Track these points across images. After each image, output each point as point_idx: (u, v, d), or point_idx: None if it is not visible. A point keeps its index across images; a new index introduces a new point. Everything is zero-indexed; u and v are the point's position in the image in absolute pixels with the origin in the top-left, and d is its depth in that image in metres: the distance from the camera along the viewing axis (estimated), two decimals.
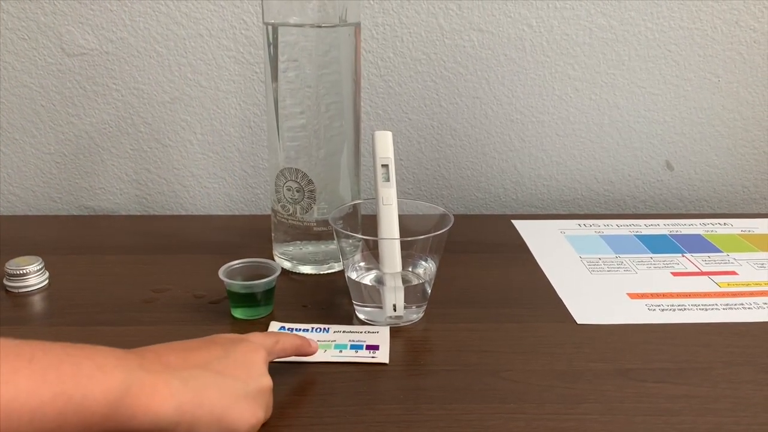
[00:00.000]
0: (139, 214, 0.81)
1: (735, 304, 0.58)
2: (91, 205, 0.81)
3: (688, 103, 0.80)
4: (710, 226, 0.76)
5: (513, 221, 0.76)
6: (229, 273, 0.55)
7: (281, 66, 0.59)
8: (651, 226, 0.75)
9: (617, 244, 0.70)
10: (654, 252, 0.68)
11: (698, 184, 0.83)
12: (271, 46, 0.59)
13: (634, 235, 0.73)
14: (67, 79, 0.76)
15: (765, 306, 0.57)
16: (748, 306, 0.58)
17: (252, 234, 0.71)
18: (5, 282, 0.59)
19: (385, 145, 0.54)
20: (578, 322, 0.55)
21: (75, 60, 0.75)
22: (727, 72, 0.79)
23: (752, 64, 0.79)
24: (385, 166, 0.54)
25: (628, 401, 0.44)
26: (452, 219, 0.53)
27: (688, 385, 0.46)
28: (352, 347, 0.50)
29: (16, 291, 0.59)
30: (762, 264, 0.66)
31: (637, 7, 0.76)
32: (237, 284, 0.54)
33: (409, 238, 0.53)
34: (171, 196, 0.80)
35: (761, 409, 0.44)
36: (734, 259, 0.67)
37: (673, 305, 0.58)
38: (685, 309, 0.57)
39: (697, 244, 0.70)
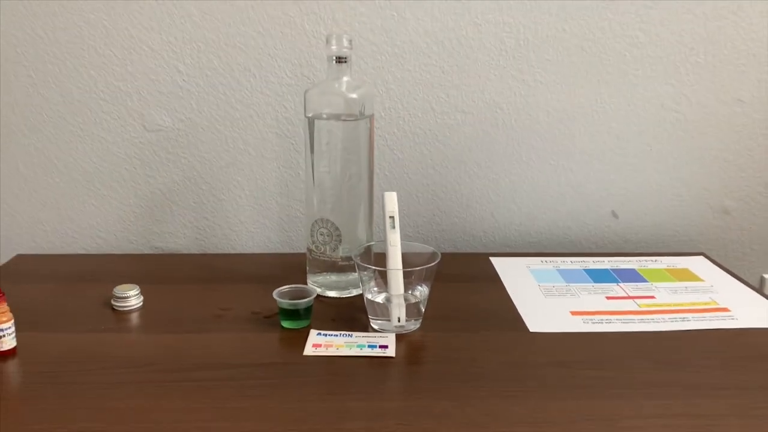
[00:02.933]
0: (197, 252, 1.03)
1: (648, 319, 0.79)
2: (160, 246, 1.02)
3: (627, 167, 1.02)
4: (644, 262, 0.97)
5: (491, 258, 0.97)
6: (279, 294, 0.76)
7: (316, 143, 0.81)
8: (597, 262, 0.96)
9: (569, 276, 0.91)
10: (596, 282, 0.90)
11: (638, 229, 1.05)
12: (310, 131, 0.81)
13: (583, 269, 0.94)
14: (146, 149, 0.99)
15: (669, 320, 0.78)
16: (657, 320, 0.79)
17: (288, 267, 0.92)
18: (113, 302, 0.81)
19: (391, 202, 0.76)
20: (530, 330, 0.76)
21: (153, 134, 0.98)
22: (657, 143, 1.02)
23: (676, 137, 1.01)
24: (392, 217, 0.76)
25: (557, 380, 0.65)
26: (440, 256, 0.75)
27: (601, 370, 0.67)
28: (369, 346, 0.71)
29: (120, 309, 0.80)
30: (675, 290, 0.87)
31: (584, 93, 0.99)
32: (285, 302, 0.75)
33: (409, 269, 0.74)
34: (223, 238, 1.02)
35: (646, 384, 0.64)
36: (656, 287, 0.88)
37: (602, 320, 0.79)
38: (610, 322, 0.78)
39: (630, 276, 0.92)
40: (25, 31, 0.94)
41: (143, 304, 0.81)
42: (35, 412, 0.59)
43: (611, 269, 0.94)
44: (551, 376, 0.66)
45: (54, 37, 0.94)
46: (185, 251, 1.03)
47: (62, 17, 0.93)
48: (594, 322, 0.78)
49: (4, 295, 0.69)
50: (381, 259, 0.76)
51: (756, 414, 0.59)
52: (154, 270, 0.94)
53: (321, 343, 0.72)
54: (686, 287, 0.88)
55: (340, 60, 0.79)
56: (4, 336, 0.68)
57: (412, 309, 0.75)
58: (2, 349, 0.68)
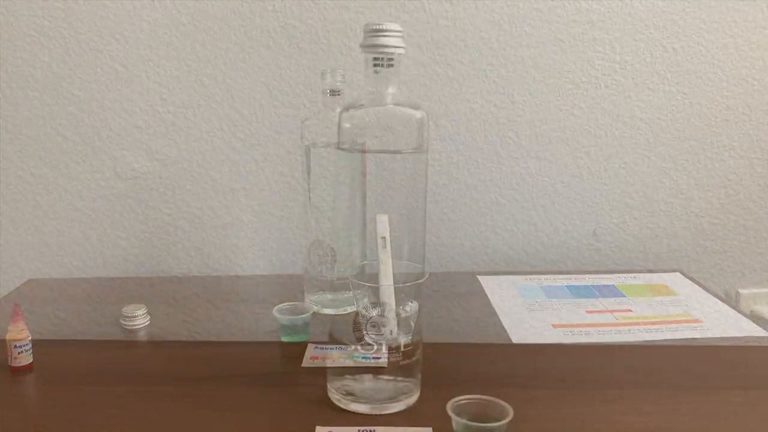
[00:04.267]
0: (201, 275, 1.08)
1: (624, 331, 0.84)
2: (166, 270, 1.08)
3: (607, 189, 1.09)
4: (623, 278, 1.02)
5: (478, 277, 1.03)
6: (279, 311, 0.82)
7: (312, 170, 0.87)
8: (579, 279, 1.02)
9: (552, 292, 0.97)
10: (577, 297, 0.95)
11: (618, 248, 1.11)
12: (307, 158, 0.87)
13: (565, 285, 1.00)
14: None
15: (644, 331, 0.84)
16: (632, 332, 0.84)
17: (287, 288, 0.98)
18: (121, 321, 0.86)
19: (383, 224, 0.82)
20: (514, 342, 0.81)
21: (160, 165, 1.04)
22: (634, 167, 1.08)
23: (649, 161, 1.08)
24: (383, 238, 0.82)
25: (537, 381, 0.70)
26: (428, 273, 0.80)
27: (577, 375, 0.72)
28: (363, 357, 0.76)
29: (129, 327, 0.85)
30: (651, 304, 0.92)
31: (563, 123, 1.06)
32: (285, 318, 0.80)
33: (399, 285, 0.80)
34: (225, 261, 1.08)
35: (616, 387, 0.69)
36: (633, 301, 0.94)
37: (581, 332, 0.84)
38: (589, 334, 0.83)
39: (610, 292, 0.97)
40: (44, 78, 1.00)
41: (150, 323, 0.87)
42: (51, 420, 0.64)
43: (592, 285, 1.00)
44: (530, 382, 0.71)
45: (71, 79, 1.01)
46: (190, 275, 1.08)
47: (84, 67, 1.00)
48: (573, 334, 0.83)
49: (21, 314, 0.74)
50: (374, 278, 0.81)
51: (711, 410, 0.65)
52: (160, 292, 0.99)
53: (318, 356, 0.77)
54: (662, 301, 0.93)
55: (334, 93, 0.86)
56: (22, 352, 0.73)
57: (403, 323, 0.80)
58: (21, 364, 0.73)
